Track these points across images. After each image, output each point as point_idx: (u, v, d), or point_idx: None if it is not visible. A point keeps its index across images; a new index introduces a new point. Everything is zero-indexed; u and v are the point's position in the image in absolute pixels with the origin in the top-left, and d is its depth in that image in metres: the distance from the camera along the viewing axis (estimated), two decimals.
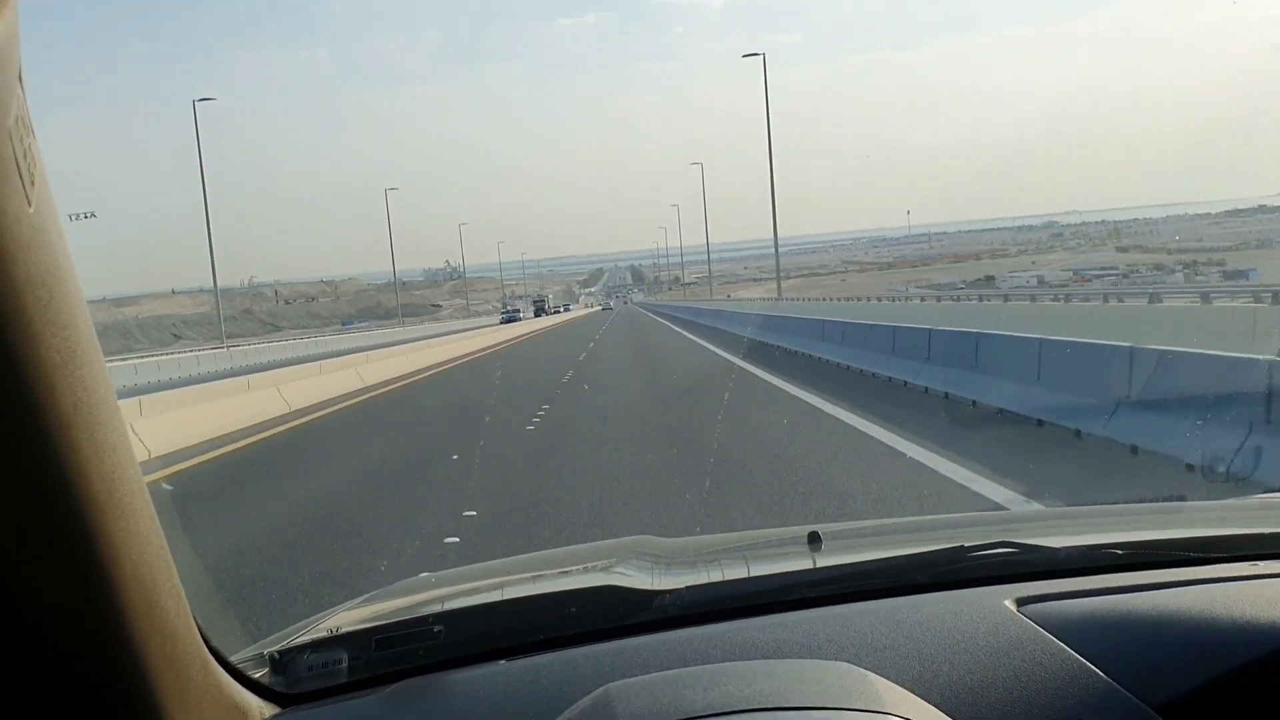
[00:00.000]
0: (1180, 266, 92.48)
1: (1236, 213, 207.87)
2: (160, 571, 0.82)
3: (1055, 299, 32.01)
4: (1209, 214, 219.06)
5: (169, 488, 9.58)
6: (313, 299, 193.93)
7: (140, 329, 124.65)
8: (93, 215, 43.08)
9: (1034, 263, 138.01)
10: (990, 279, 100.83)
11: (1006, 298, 38.28)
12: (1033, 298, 36.52)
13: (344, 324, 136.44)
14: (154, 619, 0.81)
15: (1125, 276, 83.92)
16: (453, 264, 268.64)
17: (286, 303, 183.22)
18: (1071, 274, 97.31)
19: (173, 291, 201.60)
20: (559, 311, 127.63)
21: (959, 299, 43.75)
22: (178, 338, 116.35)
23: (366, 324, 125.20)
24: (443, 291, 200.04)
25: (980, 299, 38.45)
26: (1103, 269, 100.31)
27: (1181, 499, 3.52)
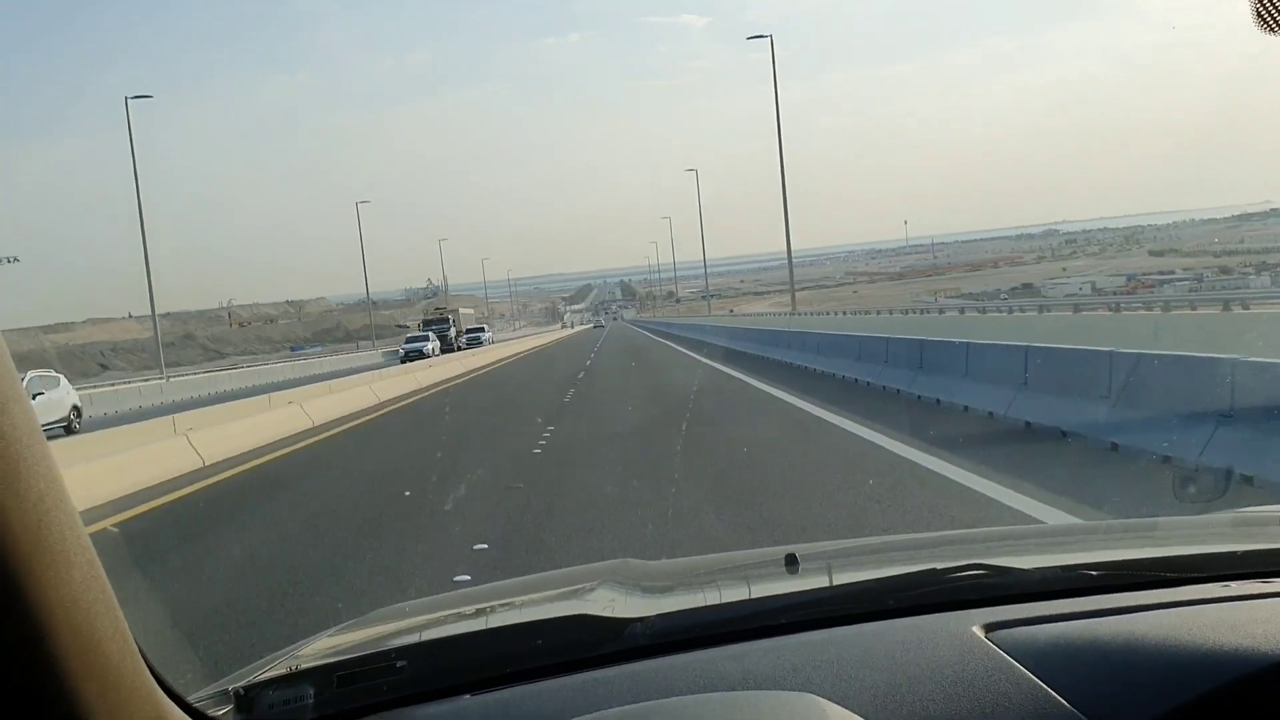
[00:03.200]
0: (1250, 269, 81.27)
1: (1246, 217, 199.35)
2: (100, 616, 0.82)
3: (1135, 308, 30.07)
4: (1215, 219, 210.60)
5: (115, 530, 9.04)
6: (272, 320, 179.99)
7: (61, 358, 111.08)
8: (15, 260, 36.64)
9: (1064, 269, 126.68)
10: (1029, 287, 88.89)
11: (1077, 308, 34.21)
12: (1093, 306, 33.85)
13: (294, 349, 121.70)
14: (93, 664, 0.80)
15: (1199, 280, 72.07)
16: (434, 282, 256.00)
17: (241, 325, 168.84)
18: (1125, 279, 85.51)
19: (129, 315, 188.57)
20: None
21: (1013, 310, 39.62)
22: (105, 368, 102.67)
23: (319, 349, 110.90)
24: (414, 311, 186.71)
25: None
26: (1161, 274, 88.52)
27: (1156, 516, 2.99)
